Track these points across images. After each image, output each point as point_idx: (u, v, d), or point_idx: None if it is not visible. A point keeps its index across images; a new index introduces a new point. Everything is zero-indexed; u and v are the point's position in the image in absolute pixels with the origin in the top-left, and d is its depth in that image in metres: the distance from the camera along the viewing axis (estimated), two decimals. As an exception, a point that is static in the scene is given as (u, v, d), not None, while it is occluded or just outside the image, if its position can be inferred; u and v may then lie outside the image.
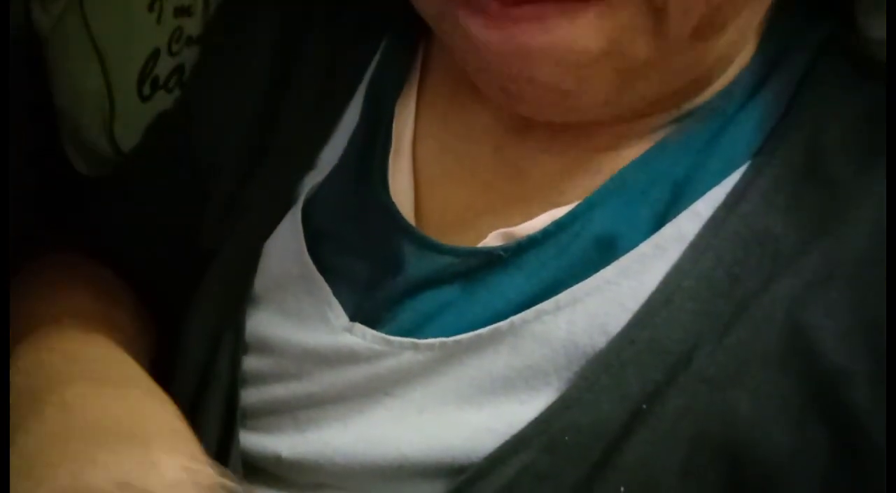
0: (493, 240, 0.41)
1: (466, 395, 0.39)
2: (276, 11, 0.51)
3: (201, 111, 0.52)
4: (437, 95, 0.46)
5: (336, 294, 0.43)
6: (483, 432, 0.38)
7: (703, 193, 0.39)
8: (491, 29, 0.36)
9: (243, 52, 0.51)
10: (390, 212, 0.43)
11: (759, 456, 0.35)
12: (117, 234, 0.54)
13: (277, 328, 0.43)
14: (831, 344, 0.35)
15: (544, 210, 0.41)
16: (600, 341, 0.38)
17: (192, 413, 0.44)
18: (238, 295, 0.45)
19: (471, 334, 0.39)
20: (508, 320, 0.39)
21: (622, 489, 0.36)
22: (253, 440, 0.43)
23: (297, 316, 0.43)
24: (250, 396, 0.44)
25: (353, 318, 0.42)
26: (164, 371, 0.46)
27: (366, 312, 0.42)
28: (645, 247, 0.38)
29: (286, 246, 0.45)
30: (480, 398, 0.39)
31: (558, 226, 0.40)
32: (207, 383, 0.44)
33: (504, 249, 0.40)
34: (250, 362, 0.44)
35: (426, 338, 0.40)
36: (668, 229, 0.39)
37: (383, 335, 0.41)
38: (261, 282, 0.45)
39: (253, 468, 0.43)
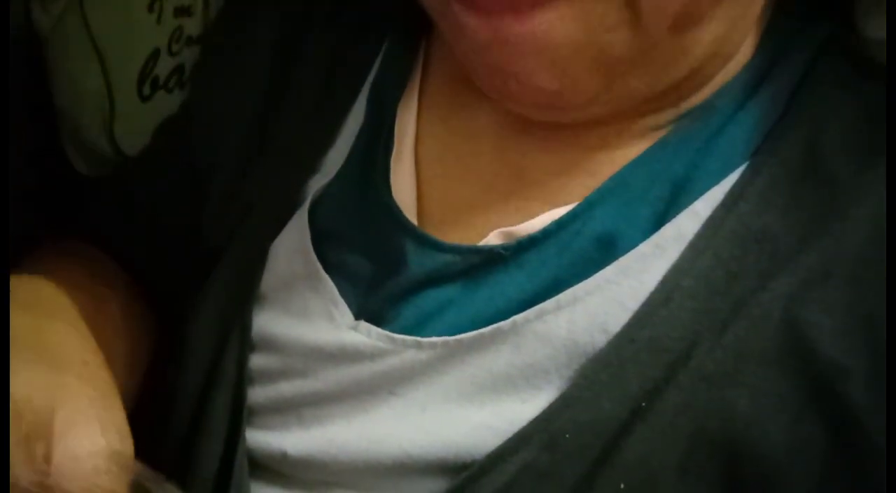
0: (493, 239, 0.41)
1: (468, 393, 0.39)
2: (277, 11, 0.51)
3: (201, 111, 0.53)
4: (438, 95, 0.47)
5: (341, 293, 0.43)
6: (484, 429, 0.38)
7: (702, 192, 0.39)
8: (479, 20, 0.37)
9: (243, 51, 0.51)
10: (392, 212, 0.44)
11: (757, 453, 0.35)
12: (118, 232, 0.54)
13: (283, 327, 0.44)
14: (828, 341, 0.35)
15: (545, 209, 0.41)
16: (600, 340, 0.38)
17: (199, 411, 0.44)
18: (245, 294, 0.46)
19: (473, 333, 0.39)
20: (510, 319, 0.39)
21: (622, 486, 0.36)
22: (258, 438, 0.43)
23: (303, 315, 0.44)
24: (256, 394, 0.44)
25: (357, 316, 0.43)
26: (170, 369, 0.46)
27: (370, 310, 0.43)
28: (645, 246, 0.39)
29: (293, 246, 0.45)
30: (482, 396, 0.39)
31: (559, 225, 0.40)
32: (214, 381, 0.44)
33: (505, 247, 0.41)
34: (256, 361, 0.44)
35: (429, 336, 0.40)
36: (668, 229, 0.39)
37: (387, 333, 0.41)
38: (267, 281, 0.46)
39: (258, 465, 0.43)
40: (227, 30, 0.54)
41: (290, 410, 0.43)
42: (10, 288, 0.41)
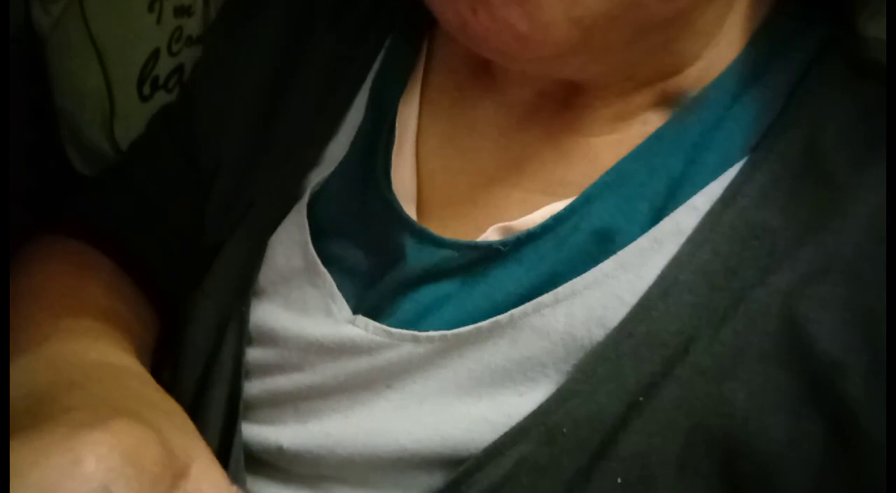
0: (492, 234, 0.41)
1: (465, 387, 0.39)
2: (280, 8, 0.51)
3: (204, 105, 0.53)
4: (440, 91, 0.47)
5: (339, 287, 0.43)
6: (482, 423, 0.38)
7: (700, 187, 0.39)
8: None
9: (247, 47, 0.51)
10: (392, 206, 0.44)
11: (754, 448, 0.35)
12: (118, 225, 0.54)
13: (281, 320, 0.44)
14: (826, 336, 0.35)
15: (544, 202, 0.41)
16: (598, 334, 0.38)
17: (196, 404, 0.44)
18: (243, 287, 0.45)
19: (471, 327, 0.39)
20: (508, 313, 0.39)
21: (619, 480, 0.36)
22: (254, 431, 0.43)
23: (301, 308, 0.44)
24: (253, 387, 0.44)
25: (355, 310, 0.43)
26: (167, 362, 0.46)
27: (368, 304, 0.43)
28: (643, 241, 0.39)
29: (292, 240, 0.45)
30: (479, 390, 0.39)
31: (557, 220, 0.40)
32: (211, 374, 0.44)
33: (503, 243, 0.41)
34: (253, 354, 0.44)
35: (426, 330, 0.40)
36: (666, 223, 0.39)
37: (385, 327, 0.41)
38: (265, 275, 0.46)
39: (254, 459, 0.43)
40: (230, 26, 0.54)
41: (287, 403, 0.43)
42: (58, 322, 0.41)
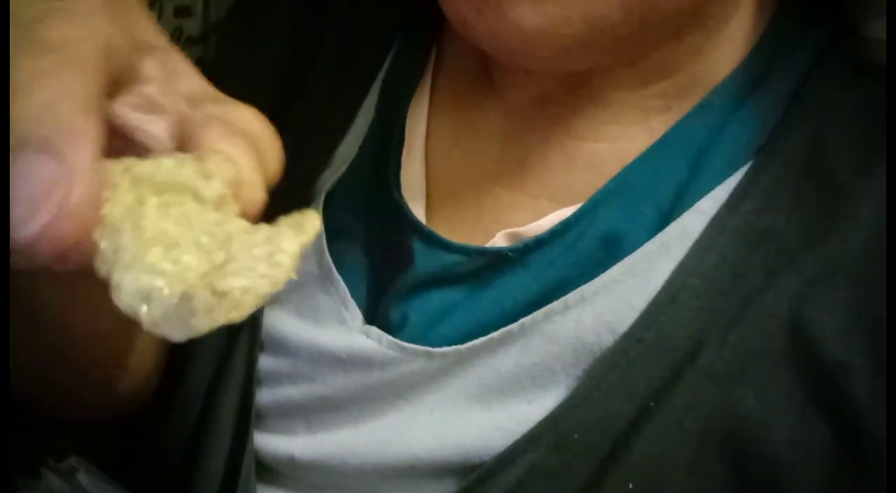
0: (500, 240, 0.41)
1: (476, 395, 0.40)
2: (292, 7, 0.51)
3: None
4: (449, 93, 0.47)
5: (352, 293, 0.43)
6: (493, 431, 0.38)
7: (706, 191, 0.39)
8: None
9: (255, 46, 0.51)
10: (401, 210, 0.43)
11: (763, 450, 0.35)
12: None
13: (293, 327, 0.44)
14: (832, 339, 0.35)
15: (551, 206, 0.41)
16: (607, 340, 0.38)
17: (207, 409, 0.44)
18: None
19: (483, 339, 0.39)
20: (519, 322, 0.39)
21: (630, 485, 0.36)
22: (265, 441, 0.43)
23: (314, 316, 0.43)
24: (264, 396, 0.44)
25: (367, 317, 0.43)
26: (177, 365, 0.45)
27: (379, 311, 0.42)
28: (650, 245, 0.39)
29: None
30: (490, 398, 0.39)
31: (565, 226, 0.40)
32: (223, 379, 0.44)
33: (511, 249, 0.41)
34: (265, 362, 0.44)
35: (437, 339, 0.40)
36: (673, 228, 0.39)
37: (398, 342, 0.41)
38: None
39: (265, 467, 0.43)
40: (241, 23, 0.53)
41: (298, 414, 0.43)
42: None
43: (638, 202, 0.40)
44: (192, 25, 0.61)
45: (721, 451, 0.36)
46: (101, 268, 0.24)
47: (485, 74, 0.46)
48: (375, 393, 0.41)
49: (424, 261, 0.42)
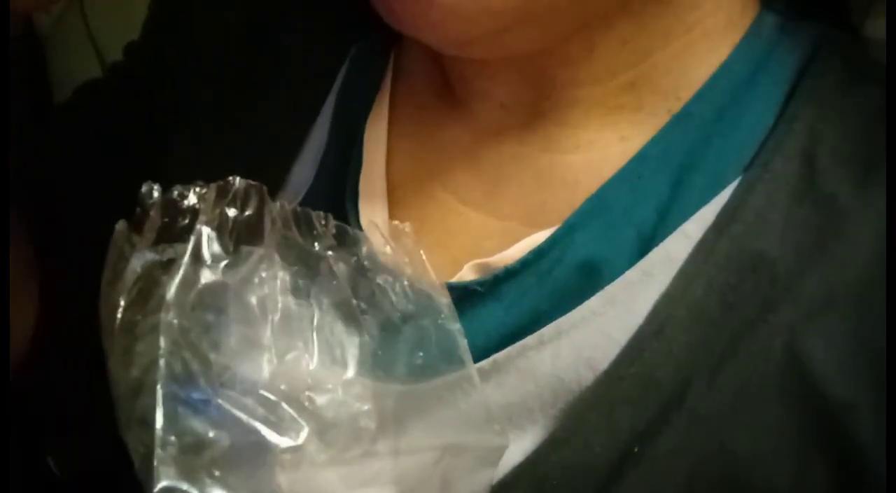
0: (468, 273, 0.39)
1: None
2: (234, 10, 0.48)
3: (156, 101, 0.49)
4: (409, 106, 0.44)
5: None
6: None
7: (691, 212, 0.36)
8: None
9: (198, 50, 0.48)
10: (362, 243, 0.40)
11: None
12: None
13: None
14: (833, 376, 0.33)
15: (523, 232, 0.39)
16: (587, 377, 0.36)
17: None
18: None
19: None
20: (491, 358, 0.37)
21: None
22: None
23: None
24: None
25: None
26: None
27: None
28: (631, 273, 0.36)
29: None
30: None
31: (537, 253, 0.38)
32: None
33: (480, 283, 0.38)
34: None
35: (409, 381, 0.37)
36: (656, 253, 0.36)
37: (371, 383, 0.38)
38: None
39: None
40: (176, 28, 0.50)
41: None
42: None
43: (617, 226, 0.37)
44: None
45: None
46: None
47: (442, 89, 0.43)
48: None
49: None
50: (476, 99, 0.41)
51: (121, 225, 0.35)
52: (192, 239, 0.33)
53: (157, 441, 0.31)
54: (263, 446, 0.33)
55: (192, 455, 0.32)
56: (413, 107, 0.44)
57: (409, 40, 0.44)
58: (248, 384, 0.33)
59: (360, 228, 0.41)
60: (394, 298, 0.37)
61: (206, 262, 0.33)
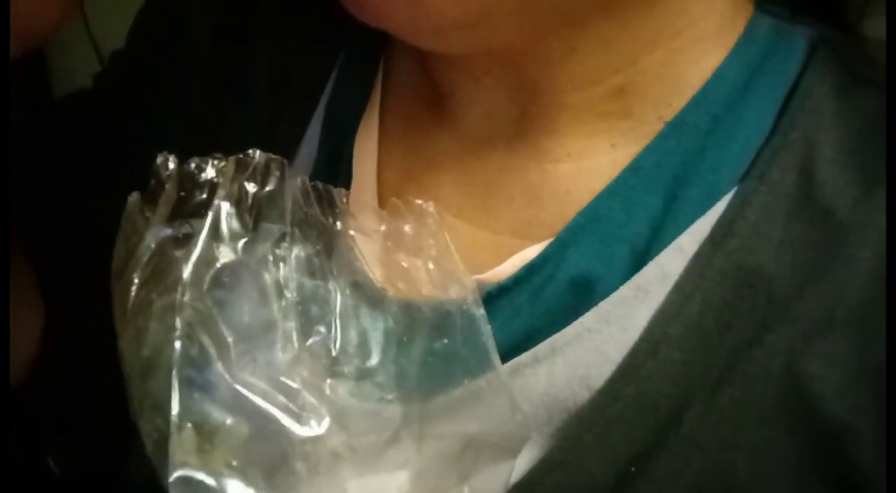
0: None
1: None
2: (217, 15, 0.47)
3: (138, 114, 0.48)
4: (399, 118, 0.43)
5: None
6: None
7: (685, 226, 0.36)
8: None
9: (180, 56, 0.47)
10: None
11: None
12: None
13: None
14: (833, 398, 0.32)
15: (515, 246, 0.38)
16: (583, 395, 0.35)
17: None
18: None
19: (445, 398, 0.36)
20: (484, 378, 0.36)
21: None
22: None
23: None
24: None
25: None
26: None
27: (338, 373, 0.38)
28: (626, 289, 0.35)
29: None
30: None
31: (530, 269, 0.37)
32: None
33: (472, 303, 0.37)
34: None
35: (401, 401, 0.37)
36: (650, 269, 0.35)
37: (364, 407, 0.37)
38: None
39: None
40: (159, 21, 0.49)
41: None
42: None
43: (610, 240, 0.36)
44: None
45: None
46: None
47: (430, 100, 0.42)
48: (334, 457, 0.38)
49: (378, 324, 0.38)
50: (464, 107, 0.40)
51: (134, 197, 0.33)
52: (210, 214, 0.32)
53: (173, 427, 0.30)
54: (283, 435, 0.32)
55: (209, 443, 0.31)
56: (403, 118, 0.42)
57: (399, 50, 0.43)
58: (268, 370, 0.32)
59: None
60: (417, 279, 0.36)
61: (224, 239, 0.32)
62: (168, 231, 0.32)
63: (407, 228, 0.37)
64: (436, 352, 0.35)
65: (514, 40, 0.36)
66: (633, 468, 0.34)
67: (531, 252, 0.37)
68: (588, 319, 0.35)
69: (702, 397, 0.33)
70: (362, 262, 0.36)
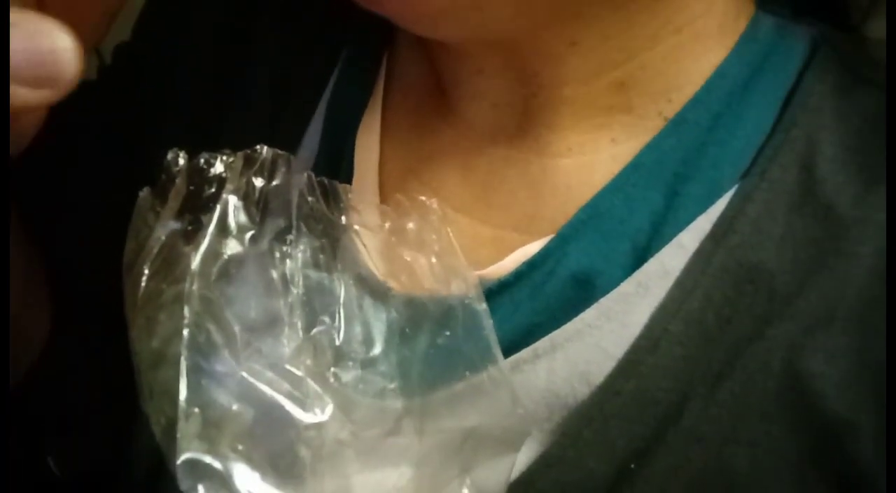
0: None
1: None
2: (217, 13, 0.47)
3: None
4: (402, 113, 0.43)
5: None
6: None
7: (687, 222, 0.36)
8: None
9: (180, 52, 0.47)
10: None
11: None
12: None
13: None
14: (834, 394, 0.32)
15: (516, 241, 0.38)
16: (582, 391, 0.35)
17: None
18: None
19: (446, 392, 0.36)
20: (484, 373, 0.36)
21: None
22: None
23: None
24: None
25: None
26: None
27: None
28: (626, 285, 0.35)
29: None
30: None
31: (531, 265, 0.37)
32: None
33: (471, 299, 0.37)
34: None
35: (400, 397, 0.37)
36: (651, 265, 0.35)
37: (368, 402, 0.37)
38: None
39: None
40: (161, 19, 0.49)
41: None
42: None
43: (611, 236, 0.36)
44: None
45: None
46: None
47: (435, 93, 0.42)
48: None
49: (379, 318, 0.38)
50: (467, 99, 0.40)
51: (145, 193, 0.34)
52: (218, 208, 0.33)
53: (181, 413, 0.31)
54: (287, 421, 0.33)
55: (215, 428, 0.31)
56: (405, 113, 0.43)
57: (402, 44, 0.43)
58: (273, 358, 0.33)
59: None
60: (420, 274, 0.36)
61: (231, 232, 0.33)
62: (177, 225, 0.33)
63: (410, 224, 0.37)
64: (438, 346, 0.36)
65: (512, 31, 0.36)
66: (632, 464, 0.34)
67: (532, 248, 0.37)
68: (588, 315, 0.36)
69: (702, 393, 0.33)
70: (366, 256, 0.36)
